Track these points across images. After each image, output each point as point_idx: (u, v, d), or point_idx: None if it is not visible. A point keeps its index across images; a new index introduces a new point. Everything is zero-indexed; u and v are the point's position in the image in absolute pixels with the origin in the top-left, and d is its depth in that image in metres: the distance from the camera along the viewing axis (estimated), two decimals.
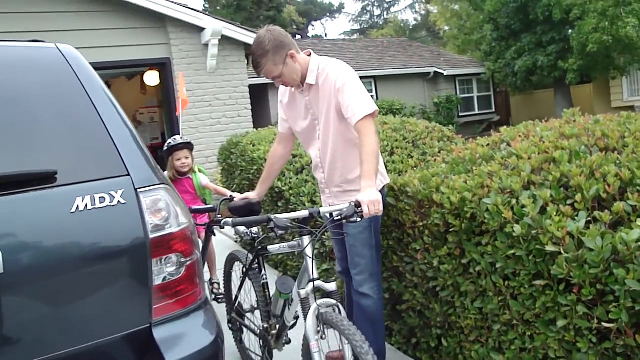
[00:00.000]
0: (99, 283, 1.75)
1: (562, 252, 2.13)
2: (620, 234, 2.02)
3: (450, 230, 2.71)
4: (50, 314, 1.67)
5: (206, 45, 9.62)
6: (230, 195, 3.82)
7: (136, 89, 13.46)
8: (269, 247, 2.96)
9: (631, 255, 1.95)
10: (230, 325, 3.59)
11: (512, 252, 2.36)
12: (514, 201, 2.40)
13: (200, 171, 4.68)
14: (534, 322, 2.38)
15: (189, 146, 4.53)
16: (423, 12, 44.78)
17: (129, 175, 1.81)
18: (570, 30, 17.13)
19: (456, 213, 2.65)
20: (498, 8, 19.02)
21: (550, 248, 2.17)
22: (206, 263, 4.57)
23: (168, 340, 1.81)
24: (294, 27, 39.36)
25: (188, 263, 1.91)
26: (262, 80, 16.53)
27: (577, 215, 2.22)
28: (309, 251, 2.46)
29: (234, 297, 3.46)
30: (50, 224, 1.67)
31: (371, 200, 2.44)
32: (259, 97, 14.93)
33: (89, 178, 1.75)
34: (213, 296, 4.52)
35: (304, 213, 2.50)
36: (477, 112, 21.82)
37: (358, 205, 2.44)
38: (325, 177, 3.00)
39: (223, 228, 2.62)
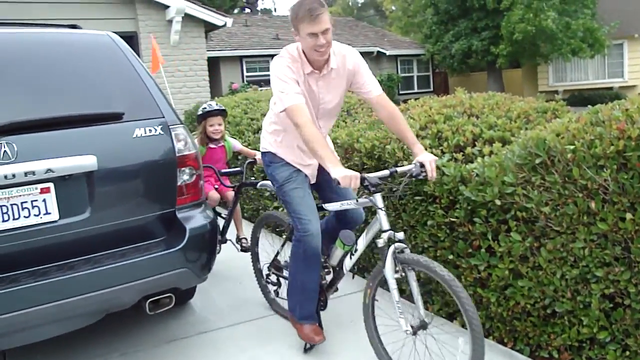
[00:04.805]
0: (148, 181, 2.89)
1: None
2: (464, 166, 3.30)
3: (365, 167, 3.96)
4: (122, 196, 2.83)
5: (170, 21, 10.61)
6: (254, 158, 4.51)
7: None
8: (325, 205, 3.21)
9: (470, 177, 3.22)
10: (264, 281, 3.86)
11: (402, 179, 3.62)
12: (405, 147, 3.66)
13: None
14: (415, 225, 3.64)
15: (223, 113, 4.59)
16: None
17: (164, 117, 2.96)
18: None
19: (369, 155, 3.90)
20: None
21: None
22: (232, 221, 4.67)
23: (185, 218, 2.98)
24: (244, 0, 39.79)
25: (196, 174, 3.07)
26: (216, 54, 17.49)
27: (443, 155, 3.49)
28: (381, 205, 2.80)
29: (275, 253, 3.73)
30: (122, 143, 2.80)
31: (434, 159, 2.91)
32: (213, 69, 15.88)
33: (141, 118, 2.88)
34: (240, 249, 4.62)
35: (386, 172, 2.90)
36: (416, 90, 23.30)
37: (422, 165, 2.87)
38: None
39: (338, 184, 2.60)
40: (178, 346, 3.34)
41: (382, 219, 2.80)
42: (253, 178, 5.54)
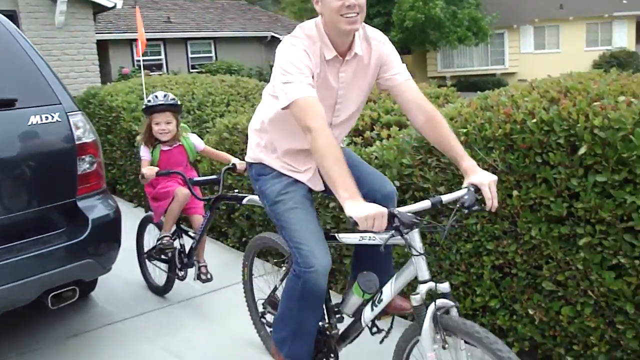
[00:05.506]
0: (46, 170, 2.78)
1: None
2: (364, 149, 3.43)
3: None
4: (18, 187, 2.70)
5: (54, 1, 10.03)
6: (233, 164, 3.51)
7: None
8: (340, 235, 2.38)
9: (370, 160, 3.35)
10: (261, 321, 3.02)
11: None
12: None
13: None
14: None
15: (172, 108, 3.52)
16: None
17: (61, 104, 2.85)
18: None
19: None
20: None
21: None
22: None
23: (87, 208, 2.90)
24: None
25: (96, 162, 2.99)
26: (104, 37, 16.76)
27: (344, 140, 3.61)
28: (419, 247, 2.00)
29: (273, 287, 2.87)
30: (16, 131, 2.67)
31: (494, 180, 2.02)
32: (101, 53, 15.22)
33: (37, 104, 2.76)
34: (197, 276, 3.67)
35: (426, 204, 2.01)
36: None
37: (477, 189, 2.01)
38: None
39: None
40: (81, 340, 3.25)
41: (420, 266, 2.01)
42: (237, 191, 4.37)
